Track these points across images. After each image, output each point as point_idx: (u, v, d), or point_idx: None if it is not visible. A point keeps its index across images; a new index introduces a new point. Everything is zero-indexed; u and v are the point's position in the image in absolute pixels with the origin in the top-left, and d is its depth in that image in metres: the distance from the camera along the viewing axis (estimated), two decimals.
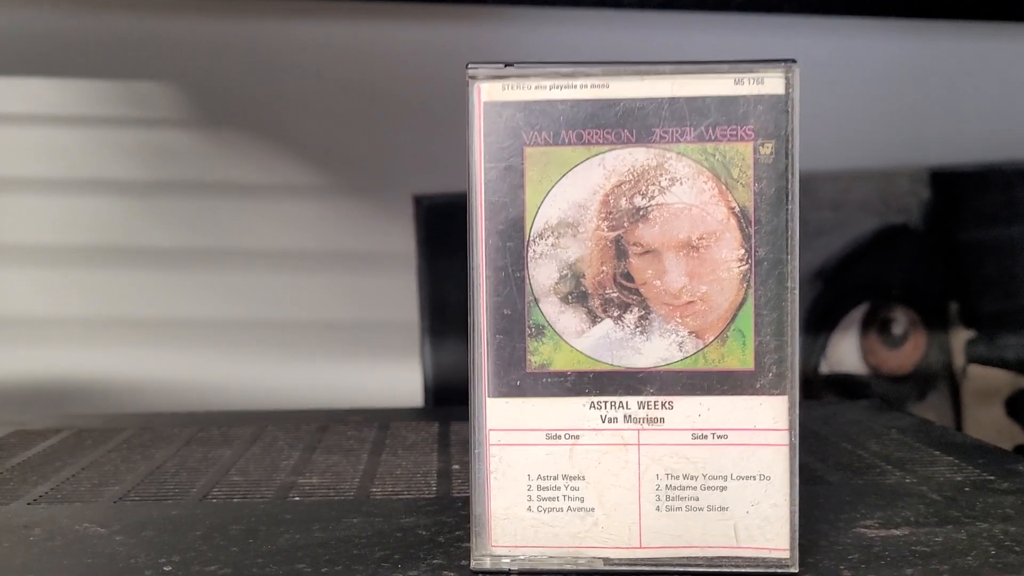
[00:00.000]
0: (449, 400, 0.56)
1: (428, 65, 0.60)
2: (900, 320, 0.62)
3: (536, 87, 0.20)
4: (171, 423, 0.38)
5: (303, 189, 0.62)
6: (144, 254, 0.61)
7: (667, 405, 0.20)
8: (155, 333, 0.60)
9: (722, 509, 0.20)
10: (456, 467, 0.29)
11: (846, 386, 0.60)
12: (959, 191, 0.62)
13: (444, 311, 0.60)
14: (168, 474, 0.29)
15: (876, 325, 0.62)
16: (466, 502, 0.25)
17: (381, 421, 0.38)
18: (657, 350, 0.20)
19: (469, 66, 0.20)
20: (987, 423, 0.59)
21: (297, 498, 0.26)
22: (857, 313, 0.61)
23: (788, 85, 0.20)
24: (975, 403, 0.61)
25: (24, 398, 0.58)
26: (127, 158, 0.60)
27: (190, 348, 0.60)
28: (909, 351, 0.61)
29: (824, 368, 0.60)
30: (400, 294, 0.61)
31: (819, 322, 0.61)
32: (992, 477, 0.27)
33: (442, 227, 0.60)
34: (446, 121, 0.60)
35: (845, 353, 0.61)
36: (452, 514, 0.24)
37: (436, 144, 0.61)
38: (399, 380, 0.60)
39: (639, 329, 0.20)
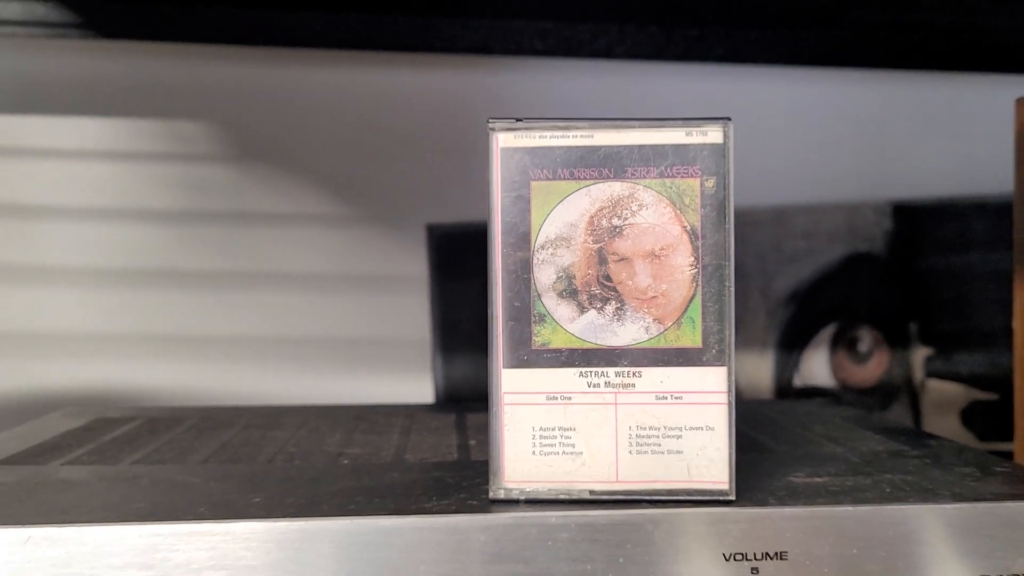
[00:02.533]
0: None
1: (439, 109, 0.68)
2: (865, 339, 0.69)
3: (539, 136, 0.27)
4: (222, 414, 0.44)
5: (326, 219, 0.68)
6: (180, 276, 0.68)
7: (637, 374, 0.27)
8: (188, 347, 0.67)
9: (678, 452, 0.26)
10: (473, 443, 0.36)
11: (817, 397, 0.66)
12: (918, 222, 0.69)
13: (454, 329, 0.67)
14: (235, 447, 0.35)
15: (844, 343, 0.69)
16: (482, 464, 0.31)
17: (405, 413, 0.44)
18: (629, 333, 0.27)
19: (489, 120, 0.27)
20: (944, 431, 0.66)
21: (346, 462, 0.33)
22: (827, 332, 0.68)
23: (725, 136, 0.27)
24: (933, 413, 0.67)
25: (71, 403, 0.64)
26: (166, 189, 0.67)
27: (220, 361, 0.66)
28: (873, 367, 0.68)
29: (797, 382, 0.67)
30: (413, 314, 0.68)
31: (792, 340, 0.68)
32: (907, 447, 0.34)
33: (452, 253, 0.67)
34: (454, 159, 0.67)
35: (816, 368, 0.67)
36: (472, 470, 0.31)
37: (446, 179, 0.68)
38: (412, 391, 0.67)
39: (616, 317, 0.27)
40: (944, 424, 0.67)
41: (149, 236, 0.66)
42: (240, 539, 0.23)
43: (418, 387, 0.66)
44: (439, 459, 0.33)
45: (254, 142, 0.66)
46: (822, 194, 0.69)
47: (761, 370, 0.67)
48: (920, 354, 0.67)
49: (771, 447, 0.34)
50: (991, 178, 0.68)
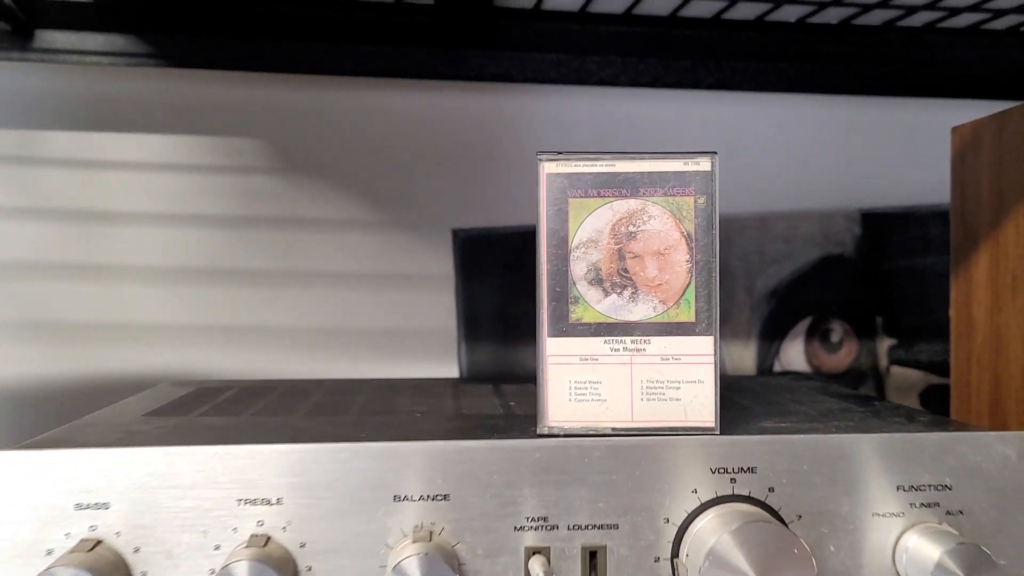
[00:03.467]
0: None
1: (465, 128, 0.76)
2: (837, 330, 0.78)
3: (574, 165, 0.36)
4: (302, 385, 0.53)
5: (363, 224, 0.77)
6: (234, 274, 0.76)
7: (646, 341, 0.36)
8: (241, 336, 0.75)
9: (677, 400, 0.36)
10: (512, 403, 0.45)
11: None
12: (884, 228, 0.78)
13: (476, 321, 0.76)
14: (326, 406, 0.44)
15: (818, 334, 0.78)
16: (525, 417, 0.40)
17: (449, 384, 0.53)
18: (641, 311, 0.36)
19: (538, 153, 0.36)
20: None
21: (418, 415, 0.42)
22: (803, 325, 0.78)
23: (712, 165, 0.36)
24: (896, 396, 0.77)
25: (141, 388, 0.73)
26: (222, 198, 0.75)
27: (268, 348, 0.75)
28: (844, 355, 0.77)
29: (777, 367, 0.76)
30: (441, 308, 0.77)
31: (772, 332, 0.77)
32: (855, 406, 0.43)
33: (474, 255, 0.76)
34: (478, 171, 0.76)
35: (793, 356, 0.77)
36: (518, 420, 0.40)
37: (469, 189, 0.77)
38: (440, 374, 0.76)
39: (631, 299, 0.36)
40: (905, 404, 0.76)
41: (207, 238, 0.74)
42: (367, 456, 0.32)
43: (445, 371, 0.75)
44: (490, 413, 0.42)
45: (300, 157, 0.75)
46: (799, 203, 0.78)
47: (745, 357, 0.76)
48: (885, 344, 0.77)
49: (749, 406, 0.44)
50: (947, 189, 0.78)
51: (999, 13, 0.65)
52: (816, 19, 0.69)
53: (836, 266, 0.77)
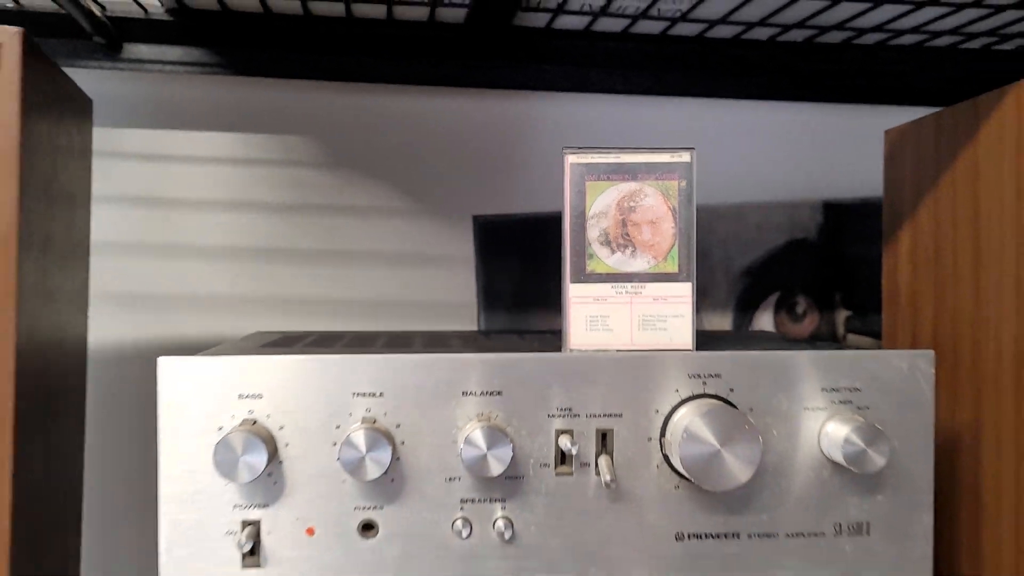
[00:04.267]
0: None
1: (486, 129, 0.89)
2: (801, 303, 0.91)
3: (591, 156, 0.49)
4: (364, 335, 0.66)
5: (397, 211, 0.90)
6: (286, 253, 0.89)
7: (643, 287, 0.49)
8: (292, 306, 0.88)
9: (664, 330, 0.49)
10: (535, 344, 0.58)
11: None
12: (843, 217, 0.91)
13: (494, 294, 0.88)
14: (395, 342, 0.57)
15: (785, 307, 0.91)
16: (547, 350, 0.53)
17: (482, 334, 0.66)
18: (639, 264, 0.49)
19: (564, 148, 0.49)
20: None
21: (470, 342, 0.55)
22: (772, 299, 0.91)
23: (692, 157, 0.49)
24: None
25: (208, 347, 0.85)
26: (276, 188, 0.88)
27: (314, 317, 0.88)
28: (807, 324, 0.91)
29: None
30: (463, 284, 0.89)
31: (746, 305, 0.90)
32: (806, 344, 0.56)
33: (492, 237, 0.89)
34: (496, 165, 0.89)
35: (763, 325, 0.90)
36: (545, 349, 0.53)
37: (488, 181, 0.89)
38: None
39: (631, 256, 0.49)
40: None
41: (262, 223, 0.87)
42: (444, 363, 0.45)
43: None
44: (523, 348, 0.55)
45: (343, 153, 0.88)
46: (770, 195, 0.91)
47: (723, 326, 0.89)
48: (842, 315, 0.90)
49: (720, 342, 0.57)
50: None
51: (936, 35, 0.79)
52: (784, 38, 0.82)
53: (801, 249, 0.90)
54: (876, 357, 0.47)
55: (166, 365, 0.43)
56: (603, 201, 0.49)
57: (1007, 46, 0.82)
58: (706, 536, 0.45)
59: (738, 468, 0.43)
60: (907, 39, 0.81)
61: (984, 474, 0.50)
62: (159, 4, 0.79)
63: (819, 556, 0.46)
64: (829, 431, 0.46)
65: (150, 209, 0.85)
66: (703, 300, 0.87)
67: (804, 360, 0.47)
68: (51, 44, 0.79)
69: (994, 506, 0.49)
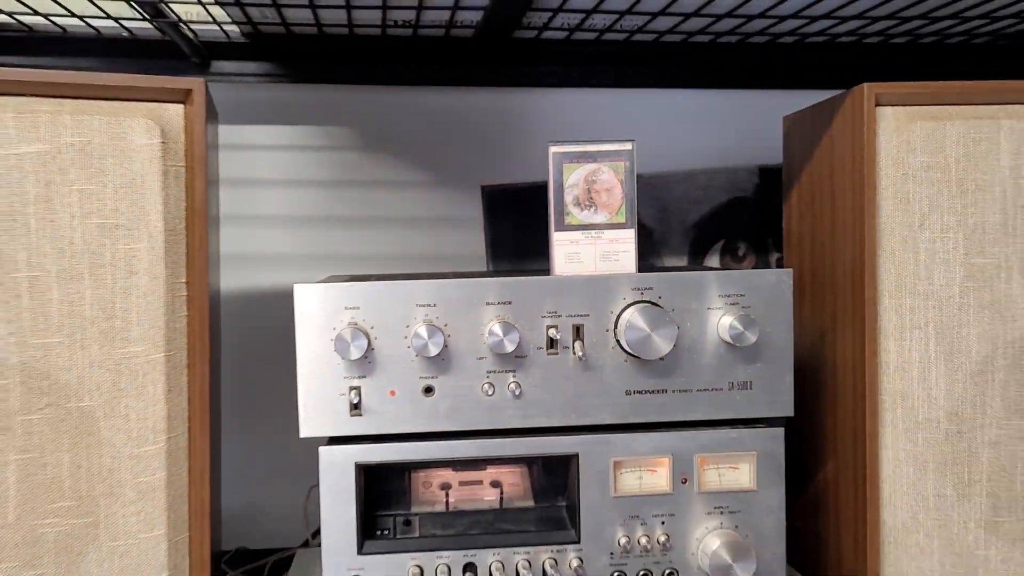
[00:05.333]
0: None
1: (491, 117, 1.14)
2: (741, 248, 1.17)
3: (566, 147, 0.75)
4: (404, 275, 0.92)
5: (419, 183, 1.15)
6: (333, 220, 1.15)
7: (602, 233, 0.75)
8: (338, 262, 1.14)
9: (617, 260, 0.75)
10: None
11: None
12: (774, 179, 1.17)
13: (500, 249, 1.14)
14: (438, 277, 0.83)
15: (729, 252, 1.17)
16: (539, 272, 0.79)
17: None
18: (599, 218, 0.75)
19: (549, 142, 0.75)
20: None
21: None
22: (718, 245, 1.16)
23: (633, 147, 0.75)
24: None
25: (278, 299, 1.11)
26: (325, 168, 1.14)
27: (357, 269, 1.14)
28: (747, 265, 1.16)
29: None
30: (475, 240, 1.15)
31: (697, 251, 1.15)
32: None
33: (497, 203, 1.14)
34: (500, 145, 1.14)
35: (713, 266, 1.16)
36: (540, 274, 0.79)
37: (494, 158, 1.15)
38: None
39: (594, 212, 0.75)
40: None
41: (315, 195, 1.13)
42: (473, 283, 0.71)
43: None
44: (524, 275, 0.81)
45: (377, 140, 1.13)
46: (715, 162, 1.16)
47: None
48: (774, 257, 1.16)
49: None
50: None
51: (838, 36, 1.04)
52: (723, 40, 1.07)
53: (741, 205, 1.16)
54: (755, 274, 0.72)
55: (300, 290, 0.69)
56: (575, 176, 0.74)
57: (900, 40, 1.07)
58: (645, 392, 0.71)
59: (662, 344, 0.69)
60: (817, 32, 1.06)
61: (837, 349, 0.77)
62: (238, 30, 1.04)
63: (719, 403, 0.72)
64: (722, 322, 0.72)
65: (231, 188, 1.10)
66: (663, 248, 1.13)
67: (709, 277, 0.73)
68: (162, 64, 1.04)
69: (841, 365, 0.75)
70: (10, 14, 0.96)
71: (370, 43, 1.07)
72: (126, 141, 0.67)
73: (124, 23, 0.98)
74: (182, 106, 0.69)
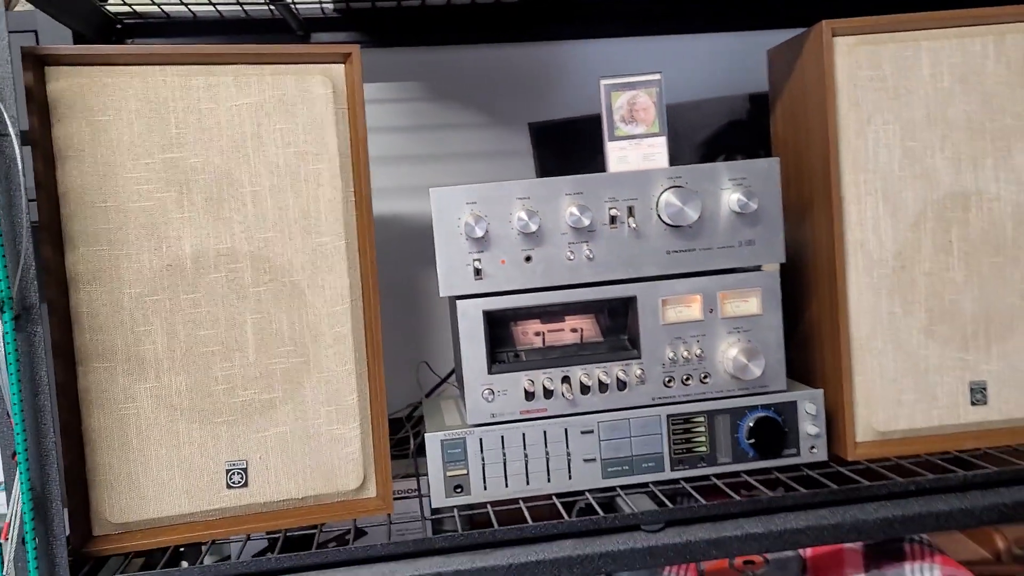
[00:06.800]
0: None
1: (534, 65, 1.45)
2: (739, 159, 1.48)
3: (612, 80, 1.06)
4: None
5: (478, 124, 1.46)
6: (411, 158, 1.45)
7: (642, 140, 1.06)
8: (416, 193, 1.45)
9: (654, 159, 1.06)
10: None
11: None
12: (763, 104, 1.47)
13: (547, 174, 1.45)
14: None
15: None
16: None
17: None
18: (640, 129, 1.06)
19: (601, 77, 1.06)
20: None
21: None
22: (721, 158, 1.47)
23: (660, 77, 1.06)
24: None
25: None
26: (402, 116, 1.44)
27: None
28: None
29: None
30: (527, 167, 1.46)
31: (704, 162, 1.46)
32: None
33: (543, 137, 1.45)
34: (542, 89, 1.45)
35: None
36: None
37: (538, 100, 1.45)
38: None
39: (636, 126, 1.06)
40: None
41: (397, 139, 1.43)
42: (558, 183, 1.02)
43: None
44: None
45: (443, 91, 1.44)
46: (717, 93, 1.47)
47: None
48: None
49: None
50: None
51: None
52: None
53: (738, 126, 1.47)
54: (753, 163, 1.04)
55: (435, 192, 1.00)
56: (620, 101, 1.05)
57: None
58: (680, 251, 1.03)
59: (691, 214, 1.00)
60: None
61: (814, 216, 1.08)
62: (332, 6, 1.34)
63: (733, 256, 1.04)
64: (731, 197, 1.03)
65: None
66: (678, 163, 1.44)
67: (720, 167, 1.04)
68: (272, 37, 1.34)
69: (817, 227, 1.07)
70: (155, 3, 1.26)
71: (437, 12, 1.37)
72: (309, 92, 0.97)
73: (243, 6, 1.28)
74: (342, 65, 0.99)
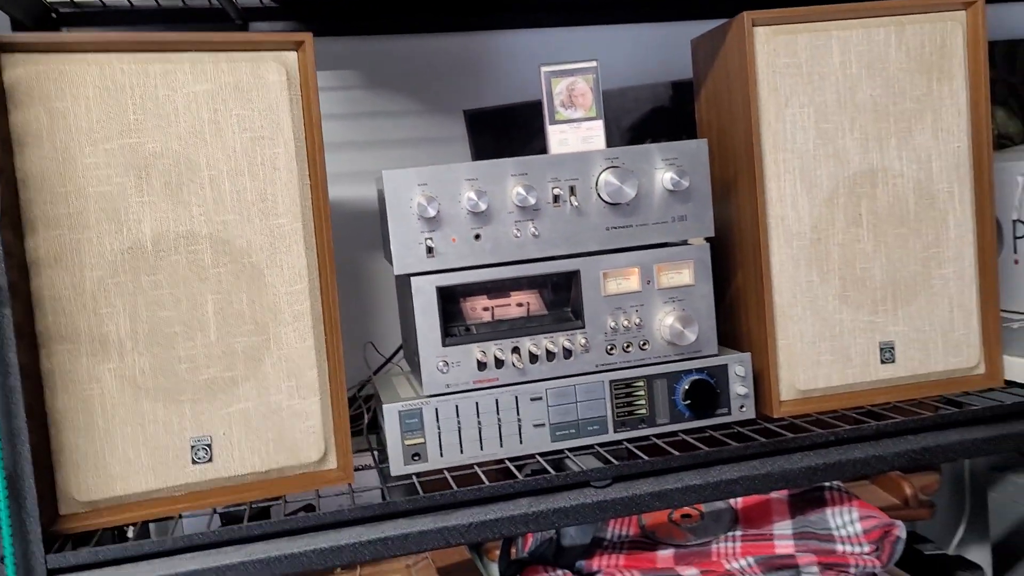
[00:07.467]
0: None
1: (468, 54, 1.51)
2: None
3: (550, 67, 1.13)
4: None
5: (416, 111, 1.51)
6: (349, 144, 1.50)
7: (581, 124, 1.14)
8: (359, 177, 1.49)
9: (591, 140, 1.14)
10: None
11: None
12: (686, 92, 1.57)
13: (481, 155, 1.51)
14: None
15: None
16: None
17: None
18: (578, 114, 1.14)
19: (541, 65, 1.13)
20: None
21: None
22: (647, 142, 1.57)
23: (597, 64, 1.13)
24: None
25: None
26: (340, 103, 1.48)
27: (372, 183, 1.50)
28: None
29: None
30: (463, 154, 1.52)
31: None
32: None
33: (478, 124, 1.51)
34: (479, 76, 1.51)
35: None
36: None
37: (475, 87, 1.52)
38: None
39: (574, 110, 1.13)
40: None
41: (335, 126, 1.48)
42: (504, 165, 1.09)
43: None
44: None
45: (379, 79, 1.49)
46: (641, 80, 1.57)
47: None
48: None
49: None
50: None
51: None
52: None
53: (661, 112, 1.56)
54: (684, 144, 1.13)
55: (387, 174, 1.06)
56: (559, 87, 1.13)
57: None
58: (619, 227, 1.11)
59: (628, 191, 1.09)
60: None
61: (738, 193, 1.18)
62: None
63: (667, 231, 1.13)
64: (664, 176, 1.12)
65: None
66: (608, 146, 1.53)
67: (653, 148, 1.12)
68: (211, 26, 1.37)
69: (741, 203, 1.16)
70: None
71: (375, 2, 1.42)
72: (264, 79, 1.01)
73: None
74: (295, 53, 1.04)
